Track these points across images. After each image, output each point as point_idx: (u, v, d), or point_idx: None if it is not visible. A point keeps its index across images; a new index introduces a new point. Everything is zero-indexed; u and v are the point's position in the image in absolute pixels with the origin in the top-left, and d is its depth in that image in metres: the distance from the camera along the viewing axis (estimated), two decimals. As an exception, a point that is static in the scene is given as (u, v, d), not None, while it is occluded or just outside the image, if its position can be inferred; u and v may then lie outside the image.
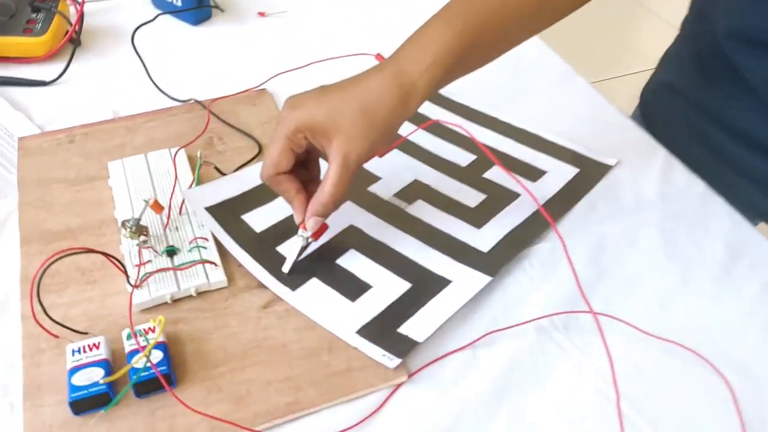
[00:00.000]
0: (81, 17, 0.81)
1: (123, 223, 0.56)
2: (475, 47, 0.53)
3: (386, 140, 0.53)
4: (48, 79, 0.78)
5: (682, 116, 0.75)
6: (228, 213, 0.60)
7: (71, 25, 0.81)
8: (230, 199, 0.62)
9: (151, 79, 0.76)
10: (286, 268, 0.56)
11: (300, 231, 0.55)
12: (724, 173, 0.70)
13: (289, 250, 0.56)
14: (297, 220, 0.55)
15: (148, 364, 0.47)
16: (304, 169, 0.56)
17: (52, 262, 0.49)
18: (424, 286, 0.56)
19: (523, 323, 0.53)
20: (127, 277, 0.54)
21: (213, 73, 0.80)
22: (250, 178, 0.64)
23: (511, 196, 0.64)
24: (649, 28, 2.48)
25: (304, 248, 0.56)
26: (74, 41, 0.81)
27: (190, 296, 0.55)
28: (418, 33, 0.53)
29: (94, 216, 0.62)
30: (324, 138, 0.51)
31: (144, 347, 0.48)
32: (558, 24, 0.58)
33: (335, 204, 0.53)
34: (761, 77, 0.64)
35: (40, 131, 0.71)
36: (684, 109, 0.75)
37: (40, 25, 0.80)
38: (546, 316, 0.53)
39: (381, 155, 0.61)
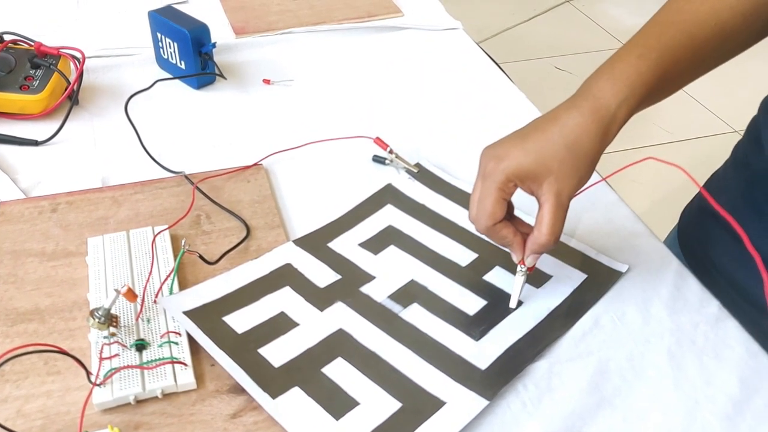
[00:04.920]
0: (80, 76, 0.78)
1: (92, 312, 0.53)
2: (668, 77, 0.56)
3: (590, 172, 0.55)
4: (40, 138, 0.75)
5: (719, 242, 0.71)
6: (208, 315, 0.56)
7: (69, 83, 0.79)
8: (211, 302, 0.58)
9: (144, 147, 0.73)
10: (513, 304, 0.59)
11: (519, 267, 0.58)
12: (748, 312, 0.64)
13: (510, 286, 0.59)
14: (516, 259, 0.58)
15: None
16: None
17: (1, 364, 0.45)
18: (416, 407, 0.51)
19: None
20: (88, 374, 0.50)
21: (210, 142, 0.77)
22: (233, 280, 0.60)
23: None
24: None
25: (524, 282, 0.59)
26: (71, 100, 0.78)
27: (156, 397, 0.51)
28: (612, 64, 0.55)
29: (66, 296, 0.58)
30: (534, 182, 0.54)
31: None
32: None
33: (555, 242, 0.55)
34: None
35: (24, 196, 0.68)
36: (722, 236, 0.70)
37: (37, 82, 0.78)
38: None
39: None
